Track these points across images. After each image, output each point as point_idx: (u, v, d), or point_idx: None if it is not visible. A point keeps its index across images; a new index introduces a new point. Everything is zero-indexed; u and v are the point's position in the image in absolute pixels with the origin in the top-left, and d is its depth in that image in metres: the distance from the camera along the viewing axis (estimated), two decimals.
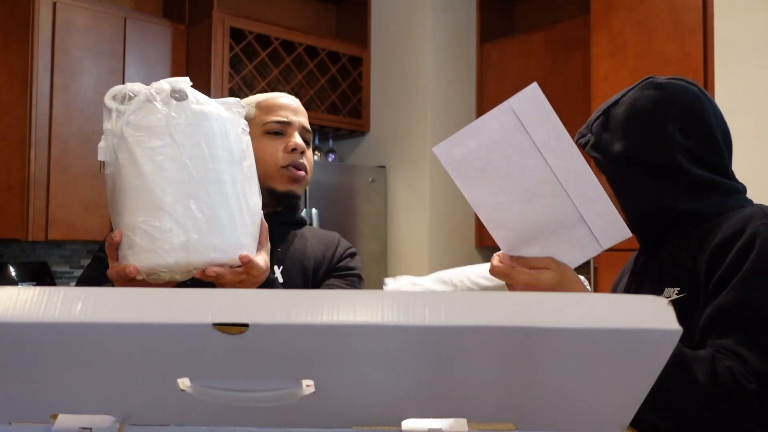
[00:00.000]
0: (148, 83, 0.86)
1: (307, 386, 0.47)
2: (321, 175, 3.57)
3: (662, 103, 1.00)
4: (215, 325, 0.40)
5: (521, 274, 0.91)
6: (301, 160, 1.20)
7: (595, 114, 1.07)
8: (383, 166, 3.90)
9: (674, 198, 0.99)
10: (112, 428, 0.51)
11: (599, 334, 0.41)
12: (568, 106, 3.35)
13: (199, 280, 0.86)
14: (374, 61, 4.00)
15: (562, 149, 0.85)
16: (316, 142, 3.94)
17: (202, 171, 0.83)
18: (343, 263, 1.22)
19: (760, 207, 0.94)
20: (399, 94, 3.83)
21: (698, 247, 0.95)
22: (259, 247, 0.92)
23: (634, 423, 0.93)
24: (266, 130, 1.19)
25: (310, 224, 1.31)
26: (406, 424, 0.51)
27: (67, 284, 3.33)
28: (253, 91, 3.59)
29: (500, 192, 0.88)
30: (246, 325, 0.40)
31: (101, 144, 0.84)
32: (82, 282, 1.13)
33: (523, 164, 0.86)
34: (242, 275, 0.87)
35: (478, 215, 0.91)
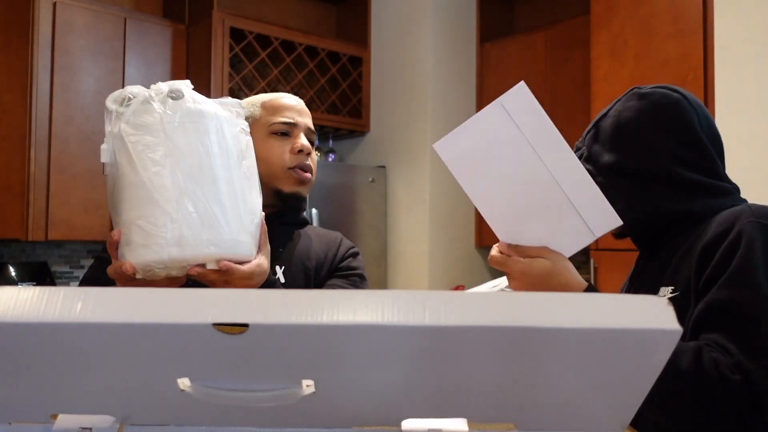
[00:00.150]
0: (148, 83, 0.87)
1: (307, 386, 0.47)
2: (321, 175, 3.55)
3: (645, 112, 1.03)
4: (215, 325, 0.40)
5: (516, 263, 0.96)
6: (308, 162, 1.20)
7: (588, 127, 1.12)
8: (383, 166, 3.90)
9: (666, 201, 1.01)
10: (112, 428, 0.51)
11: (599, 334, 0.41)
12: (568, 106, 3.36)
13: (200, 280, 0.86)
14: (374, 61, 4.00)
15: (551, 142, 0.91)
16: (317, 142, 3.94)
17: (196, 168, 0.84)
18: (345, 263, 1.22)
19: (749, 206, 0.95)
20: (399, 94, 3.83)
21: (690, 246, 0.97)
22: (259, 250, 0.91)
23: (635, 423, 0.93)
24: (272, 130, 1.19)
25: (311, 224, 1.31)
26: (406, 424, 0.51)
27: (67, 284, 3.33)
28: (253, 91, 3.59)
29: (496, 184, 0.94)
30: (246, 325, 0.40)
31: (103, 146, 0.85)
32: (85, 282, 1.13)
33: (516, 157, 0.91)
34: (225, 276, 0.86)
35: (476, 206, 0.96)
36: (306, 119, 1.23)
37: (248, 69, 3.53)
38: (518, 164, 0.92)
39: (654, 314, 0.41)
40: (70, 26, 3.08)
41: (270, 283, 0.95)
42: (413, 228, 3.72)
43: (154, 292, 0.42)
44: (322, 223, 3.44)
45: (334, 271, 1.21)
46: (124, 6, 3.45)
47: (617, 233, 1.11)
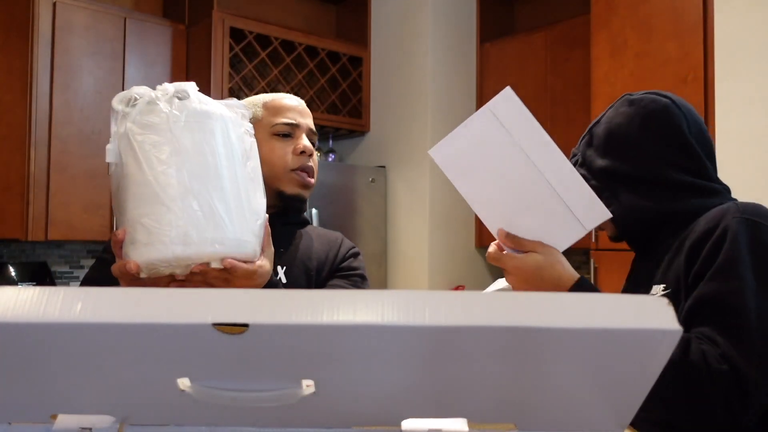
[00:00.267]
0: (147, 83, 0.87)
1: (307, 386, 0.47)
2: (321, 175, 3.53)
3: (635, 117, 1.08)
4: (215, 325, 0.40)
5: (510, 259, 1.00)
6: (309, 163, 1.20)
7: (583, 134, 1.17)
8: (383, 166, 3.90)
9: (657, 202, 1.05)
10: (112, 428, 0.51)
11: (599, 334, 0.41)
12: (568, 106, 3.36)
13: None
14: (374, 61, 4.00)
15: (539, 143, 0.95)
16: (317, 142, 3.94)
17: (201, 168, 0.84)
18: (346, 263, 1.22)
19: (735, 203, 0.98)
20: (399, 94, 3.83)
21: (680, 245, 1.00)
22: (262, 251, 0.91)
23: (635, 423, 0.93)
24: (274, 131, 1.19)
25: (311, 224, 1.32)
26: (406, 424, 0.51)
27: (66, 284, 3.33)
28: (253, 91, 3.59)
29: (489, 185, 0.99)
30: (246, 325, 0.40)
31: (109, 146, 0.85)
32: (86, 283, 1.13)
33: (506, 159, 0.96)
34: (225, 274, 0.86)
35: (472, 207, 1.01)
36: (308, 120, 1.23)
37: (248, 69, 3.53)
38: (509, 165, 0.96)
39: (654, 314, 0.41)
40: (69, 26, 3.08)
41: (272, 284, 0.95)
42: (413, 228, 3.72)
43: (154, 292, 0.42)
44: (323, 223, 3.44)
45: (336, 272, 1.21)
46: (124, 6, 3.45)
47: (613, 236, 1.15)
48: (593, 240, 2.85)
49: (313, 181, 1.21)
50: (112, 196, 0.88)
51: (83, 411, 0.51)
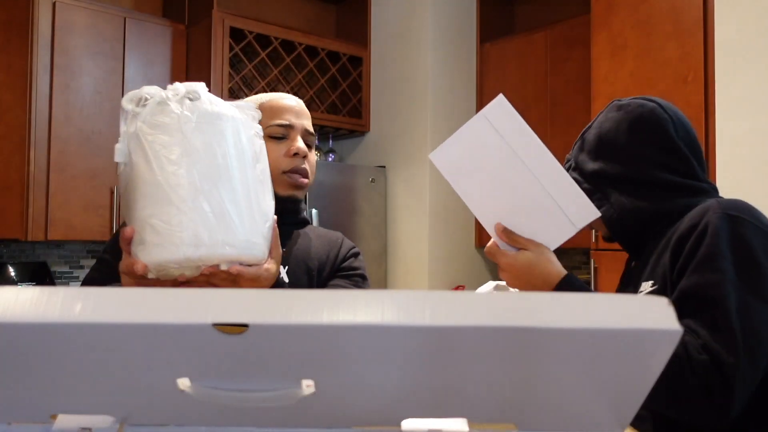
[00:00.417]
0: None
1: (307, 386, 0.47)
2: (321, 175, 3.57)
3: (622, 122, 1.13)
4: (215, 325, 0.40)
5: (503, 256, 1.08)
6: (303, 165, 1.19)
7: (576, 139, 1.22)
8: (383, 166, 3.90)
9: (646, 202, 1.09)
10: (112, 428, 0.51)
11: (599, 334, 0.41)
12: (568, 106, 3.35)
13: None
14: (374, 61, 4.00)
15: (531, 146, 1.02)
16: (317, 142, 3.94)
17: (213, 169, 0.84)
18: (347, 263, 1.22)
19: (717, 200, 1.02)
20: (399, 94, 3.83)
21: (667, 242, 1.04)
22: (269, 253, 0.91)
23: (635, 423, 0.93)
24: (269, 133, 1.18)
25: (312, 224, 1.31)
26: (406, 424, 0.51)
27: (66, 284, 3.33)
28: (253, 91, 3.59)
29: (485, 187, 1.06)
30: (246, 325, 0.40)
31: (118, 146, 0.85)
32: (87, 284, 1.13)
33: (501, 162, 1.03)
34: (233, 276, 0.86)
35: (469, 208, 1.08)
36: (303, 120, 1.22)
37: (248, 69, 3.53)
38: (503, 168, 1.03)
39: (654, 314, 0.41)
40: (69, 26, 3.08)
41: (279, 285, 0.95)
42: (413, 228, 3.72)
43: (154, 292, 0.42)
44: (323, 223, 3.44)
45: (337, 272, 1.21)
46: (124, 6, 3.45)
47: (606, 237, 1.20)
48: (593, 240, 2.85)
49: (306, 181, 1.20)
50: (121, 194, 0.88)
51: (83, 411, 0.51)
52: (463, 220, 3.78)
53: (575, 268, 3.70)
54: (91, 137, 3.12)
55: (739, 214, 0.96)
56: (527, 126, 1.02)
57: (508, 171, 1.03)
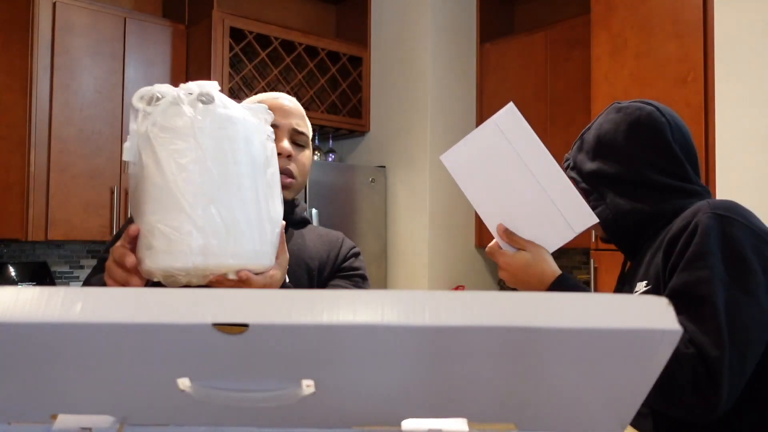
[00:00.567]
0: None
1: (307, 386, 0.47)
2: (321, 175, 3.57)
3: (621, 123, 1.15)
4: (215, 325, 0.40)
5: (501, 255, 1.14)
6: (288, 166, 1.18)
7: (575, 140, 1.25)
8: (383, 166, 3.90)
9: (641, 203, 1.12)
10: (112, 428, 0.51)
11: (599, 334, 0.41)
12: (568, 106, 3.35)
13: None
14: (374, 61, 4.00)
15: (537, 154, 1.08)
16: (316, 142, 3.94)
17: (224, 175, 0.82)
18: (347, 263, 1.22)
19: (708, 201, 1.04)
20: (399, 94, 3.83)
21: (660, 242, 1.07)
22: (276, 259, 0.91)
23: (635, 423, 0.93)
24: None
25: (312, 224, 1.31)
26: (406, 424, 0.51)
27: (66, 284, 3.33)
28: (253, 91, 3.59)
29: (492, 190, 1.12)
30: (246, 325, 0.40)
31: (127, 144, 0.83)
32: (87, 285, 1.13)
33: (508, 166, 1.09)
34: (240, 284, 0.85)
35: (475, 209, 1.14)
36: (291, 120, 1.20)
37: (248, 69, 3.53)
38: (510, 172, 1.09)
39: (654, 314, 0.41)
40: (69, 26, 3.08)
41: (283, 287, 0.95)
42: (413, 228, 3.72)
43: (154, 292, 0.42)
44: (322, 223, 3.44)
45: (337, 272, 1.21)
46: (124, 6, 3.45)
47: (603, 238, 1.22)
48: (593, 240, 2.85)
49: (291, 181, 1.18)
50: (130, 195, 0.86)
51: (83, 411, 0.51)
52: (463, 220, 3.78)
53: (575, 268, 3.70)
54: (91, 137, 3.12)
55: (728, 213, 0.98)
56: (534, 134, 1.08)
57: (513, 175, 1.09)
